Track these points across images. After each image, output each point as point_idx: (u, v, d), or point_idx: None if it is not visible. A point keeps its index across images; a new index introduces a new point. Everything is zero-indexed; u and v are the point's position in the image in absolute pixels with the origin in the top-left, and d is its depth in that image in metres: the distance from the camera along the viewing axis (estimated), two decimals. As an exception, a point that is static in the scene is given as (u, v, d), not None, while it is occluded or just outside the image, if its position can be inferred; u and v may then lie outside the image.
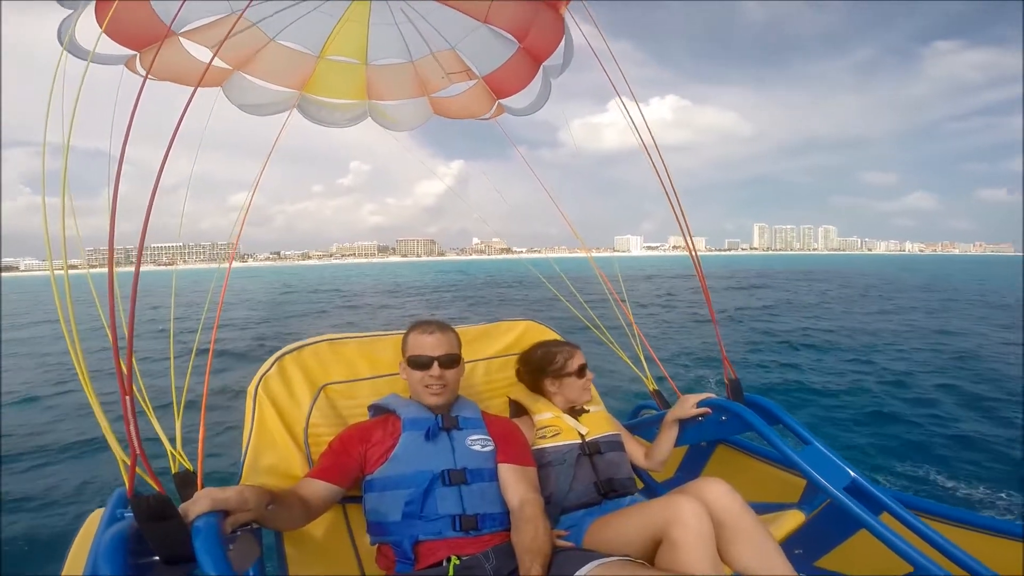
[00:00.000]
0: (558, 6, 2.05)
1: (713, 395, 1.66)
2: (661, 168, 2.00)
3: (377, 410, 1.46)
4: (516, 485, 1.29)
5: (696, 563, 1.00)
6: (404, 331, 1.59)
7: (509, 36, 2.42)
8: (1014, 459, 4.43)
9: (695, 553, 1.01)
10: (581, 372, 1.65)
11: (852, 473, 1.35)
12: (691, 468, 2.06)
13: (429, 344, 1.39)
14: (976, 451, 4.64)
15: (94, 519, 1.13)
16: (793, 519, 1.49)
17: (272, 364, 1.54)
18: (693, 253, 2.02)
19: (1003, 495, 3.85)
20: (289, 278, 53.91)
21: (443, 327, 1.46)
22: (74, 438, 4.92)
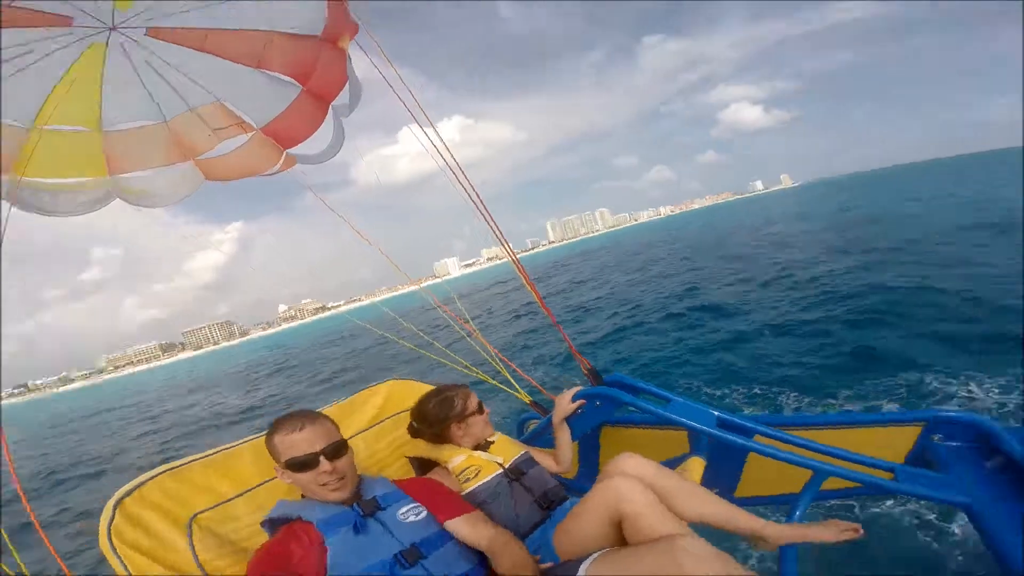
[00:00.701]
0: (338, 41, 1.96)
1: (580, 387, 1.80)
2: (466, 185, 2.11)
3: (275, 523, 1.26)
4: (474, 531, 1.26)
5: (659, 525, 1.07)
6: (256, 436, 1.47)
7: (289, 80, 2.23)
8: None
9: (654, 516, 1.09)
10: (481, 409, 1.68)
11: (715, 412, 1.55)
12: (589, 457, 2.16)
13: (304, 441, 1.24)
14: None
15: None
16: (698, 464, 1.67)
17: (112, 514, 1.27)
18: (514, 258, 2.18)
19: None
20: (55, 411, 42.38)
21: (310, 417, 1.31)
22: None
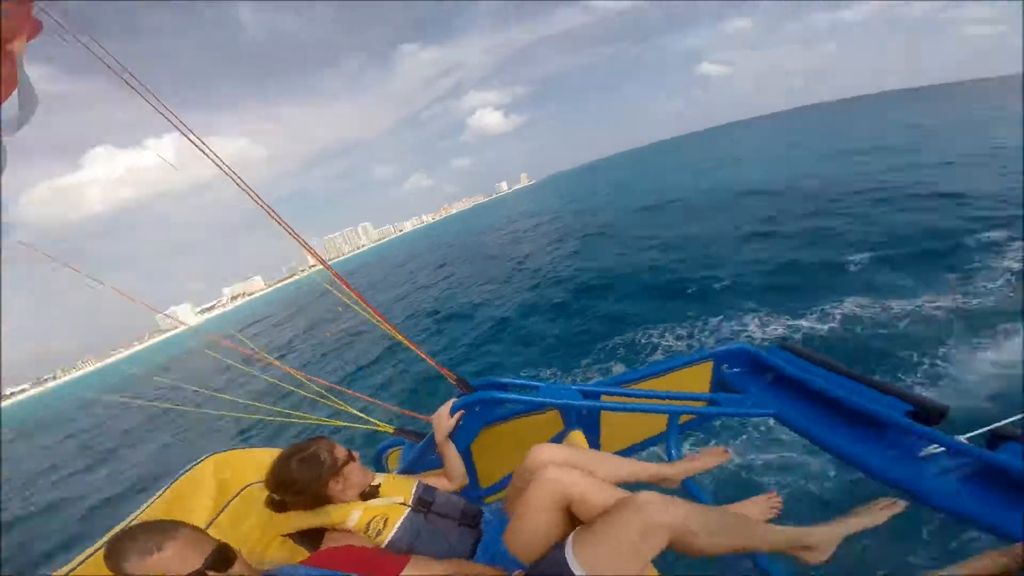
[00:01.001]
0: (8, 42, 1.54)
1: (455, 399, 1.75)
2: (252, 194, 1.83)
3: None
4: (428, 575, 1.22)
5: (603, 496, 1.18)
6: (76, 563, 1.14)
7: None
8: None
9: (597, 490, 1.19)
10: (351, 455, 1.50)
11: (574, 388, 1.74)
12: (466, 464, 2.18)
13: (172, 561, 0.93)
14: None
15: None
16: (580, 436, 1.81)
17: None
18: (335, 273, 2.05)
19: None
20: None
21: (161, 529, 0.97)
22: None
